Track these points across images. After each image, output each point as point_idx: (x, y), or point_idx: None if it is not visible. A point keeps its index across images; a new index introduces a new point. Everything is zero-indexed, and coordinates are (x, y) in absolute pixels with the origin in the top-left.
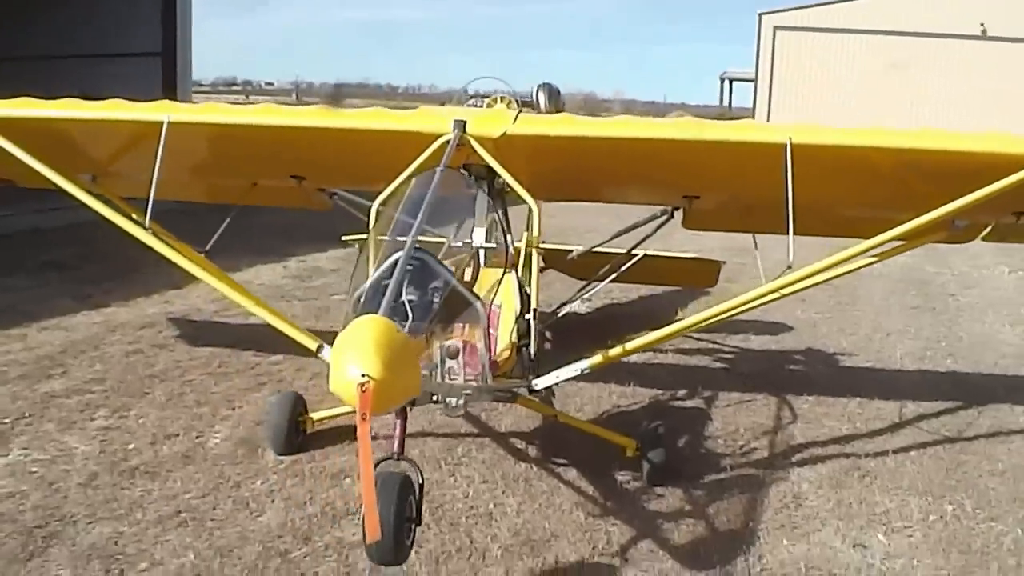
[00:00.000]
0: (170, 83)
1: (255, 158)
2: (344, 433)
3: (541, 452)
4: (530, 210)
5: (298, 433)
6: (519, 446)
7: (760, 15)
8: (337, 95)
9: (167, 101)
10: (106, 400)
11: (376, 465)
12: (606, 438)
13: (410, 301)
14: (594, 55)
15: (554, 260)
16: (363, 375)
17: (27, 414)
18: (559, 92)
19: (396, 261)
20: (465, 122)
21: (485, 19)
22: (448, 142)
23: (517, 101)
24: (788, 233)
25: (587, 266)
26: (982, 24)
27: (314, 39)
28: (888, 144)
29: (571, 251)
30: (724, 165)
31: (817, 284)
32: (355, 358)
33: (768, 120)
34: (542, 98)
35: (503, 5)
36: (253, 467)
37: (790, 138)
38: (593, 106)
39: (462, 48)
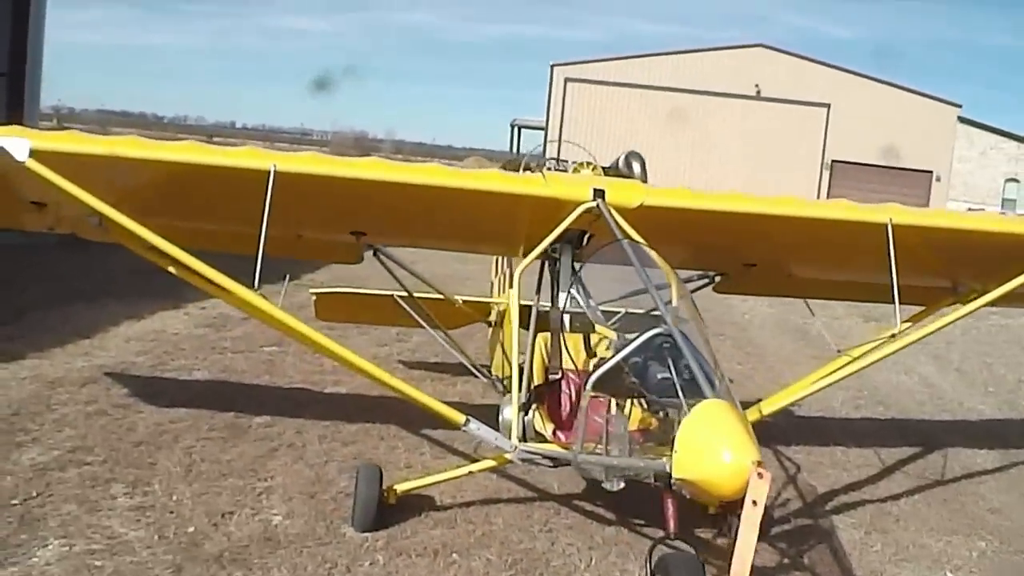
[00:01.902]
0: (16, 105)
1: (329, 210)
2: (413, 504)
3: (615, 512)
4: (668, 276)
5: (381, 507)
6: (587, 507)
7: (552, 66)
8: (104, 122)
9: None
10: (112, 473)
11: (655, 546)
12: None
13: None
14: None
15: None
16: (754, 462)
17: (34, 493)
18: (644, 161)
19: (660, 339)
20: (604, 191)
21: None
22: (589, 210)
23: (602, 168)
24: (895, 302)
25: None
26: (757, 85)
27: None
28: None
29: None
30: (820, 239)
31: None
32: (739, 446)
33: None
34: (636, 167)
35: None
36: (348, 547)
37: (891, 219)
38: (366, 145)
39: (231, 77)
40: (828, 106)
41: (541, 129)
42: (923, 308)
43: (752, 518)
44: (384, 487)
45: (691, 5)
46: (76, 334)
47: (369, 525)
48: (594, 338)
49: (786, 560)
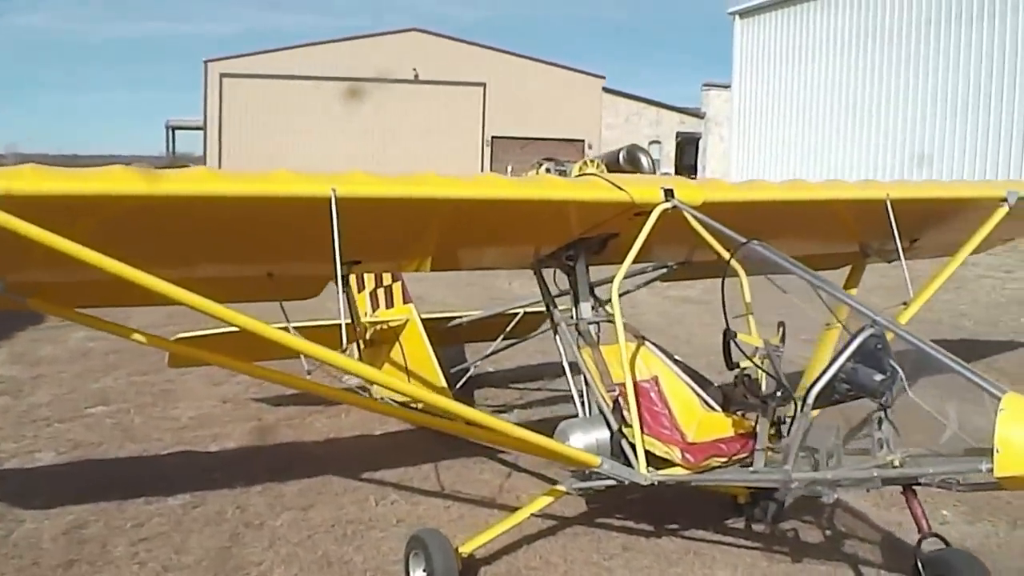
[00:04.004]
0: None
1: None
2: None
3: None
4: (737, 275)
5: None
6: (650, 529)
7: (206, 62)
8: None
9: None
10: None
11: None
12: None
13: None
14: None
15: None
16: None
17: None
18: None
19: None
20: (673, 190)
21: None
22: (667, 211)
23: (607, 164)
24: (904, 272)
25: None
26: (415, 69)
27: None
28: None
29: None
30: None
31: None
32: None
33: (220, 165)
34: (644, 161)
35: None
36: None
37: (888, 194)
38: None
39: None
40: (484, 85)
41: (199, 129)
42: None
43: None
44: (456, 552)
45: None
46: None
47: None
48: (628, 347)
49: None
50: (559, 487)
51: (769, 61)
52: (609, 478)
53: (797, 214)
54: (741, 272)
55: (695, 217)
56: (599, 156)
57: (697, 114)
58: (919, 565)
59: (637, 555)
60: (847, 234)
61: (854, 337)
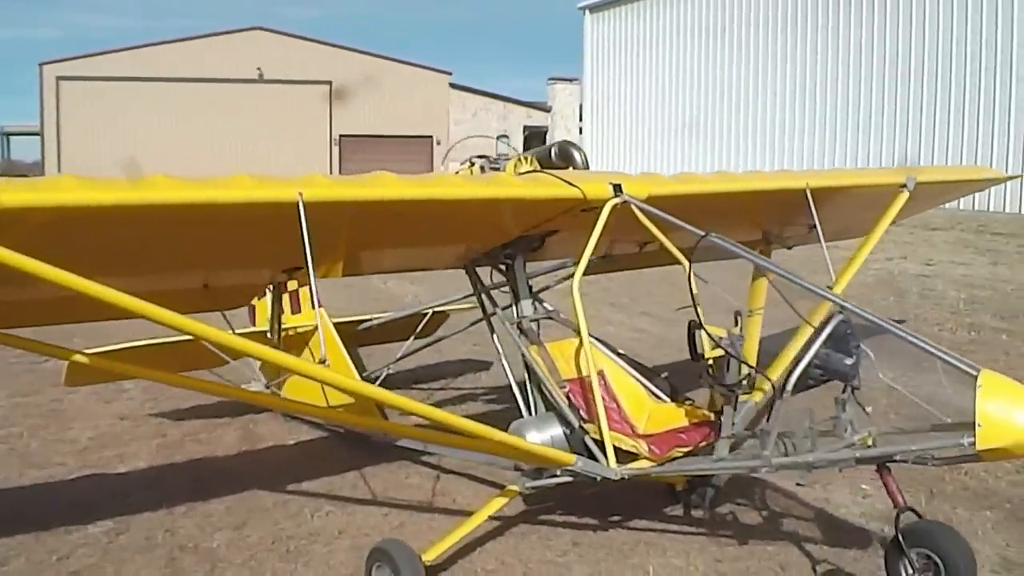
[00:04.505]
0: None
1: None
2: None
3: (603, 512)
4: (686, 269)
5: None
6: (594, 523)
7: (41, 65)
8: None
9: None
10: None
11: (897, 520)
12: None
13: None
14: None
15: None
16: None
17: None
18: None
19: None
20: (620, 185)
21: None
22: (616, 206)
23: (539, 160)
24: (826, 259)
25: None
26: (259, 68)
27: None
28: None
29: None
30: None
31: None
32: None
33: (59, 171)
34: (577, 157)
35: None
36: None
37: (808, 183)
38: None
39: None
40: (330, 83)
41: (36, 135)
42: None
43: None
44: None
45: None
46: None
47: None
48: (570, 343)
49: None
50: (511, 487)
51: (619, 54)
52: (567, 476)
53: (722, 205)
54: (686, 264)
55: (643, 211)
56: (531, 151)
57: (544, 108)
58: (899, 536)
59: (589, 549)
60: (754, 222)
61: (825, 323)
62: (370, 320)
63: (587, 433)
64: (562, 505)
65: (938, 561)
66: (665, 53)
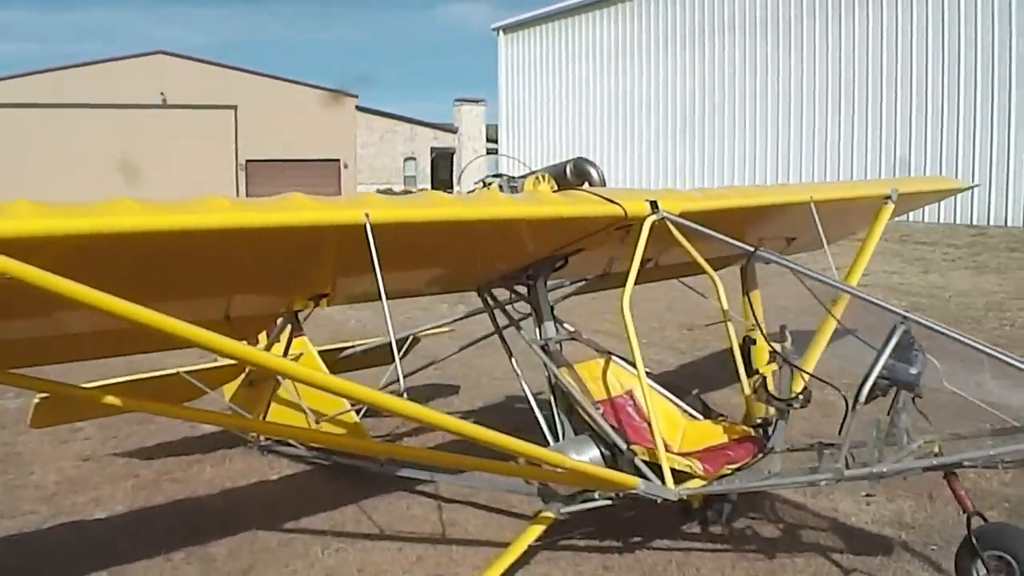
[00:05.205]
0: None
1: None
2: None
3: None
4: (715, 282)
5: None
6: (617, 545)
7: None
8: None
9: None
10: None
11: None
12: None
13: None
14: None
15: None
16: None
17: None
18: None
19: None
20: (657, 202)
21: None
22: (654, 223)
23: (555, 178)
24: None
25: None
26: (162, 93)
27: None
28: None
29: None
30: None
31: None
32: None
33: None
34: (594, 174)
35: None
36: None
37: (811, 196)
38: None
39: None
40: (235, 108)
41: None
42: None
43: None
44: None
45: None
46: None
47: None
48: (596, 363)
49: None
50: (546, 513)
51: (533, 73)
52: (605, 500)
53: (739, 218)
54: (717, 279)
55: (680, 227)
56: (545, 169)
57: (450, 129)
58: (973, 540)
59: (621, 573)
60: (754, 235)
61: (891, 334)
62: (352, 347)
63: (636, 455)
64: (578, 528)
65: (1010, 560)
66: (578, 71)
